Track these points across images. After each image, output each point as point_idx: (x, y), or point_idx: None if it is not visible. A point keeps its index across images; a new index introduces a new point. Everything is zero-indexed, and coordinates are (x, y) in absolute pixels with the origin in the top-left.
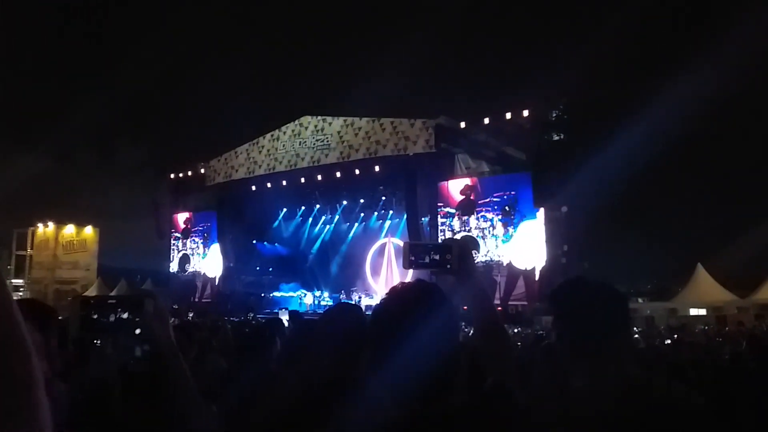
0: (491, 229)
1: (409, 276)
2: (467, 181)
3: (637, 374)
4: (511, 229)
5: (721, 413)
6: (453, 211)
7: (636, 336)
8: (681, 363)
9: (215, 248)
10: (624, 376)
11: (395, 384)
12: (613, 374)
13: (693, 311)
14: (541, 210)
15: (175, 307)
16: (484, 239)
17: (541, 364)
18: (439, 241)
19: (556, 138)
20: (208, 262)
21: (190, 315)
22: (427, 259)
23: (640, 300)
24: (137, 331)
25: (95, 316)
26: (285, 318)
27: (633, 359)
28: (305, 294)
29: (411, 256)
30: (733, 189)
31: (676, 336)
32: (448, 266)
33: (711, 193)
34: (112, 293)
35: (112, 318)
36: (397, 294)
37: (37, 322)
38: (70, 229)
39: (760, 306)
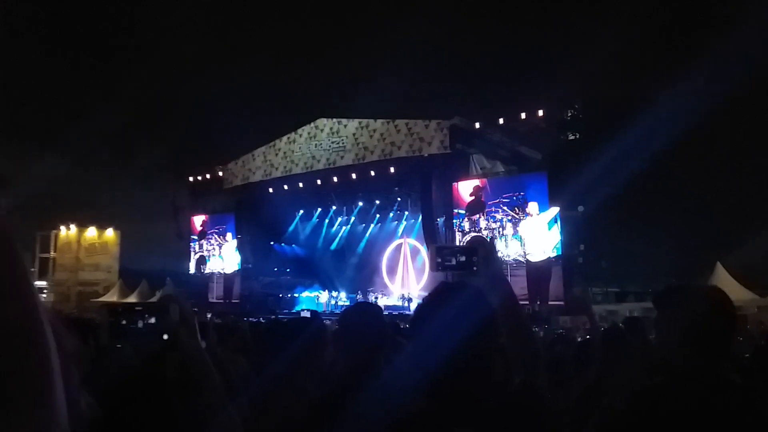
0: (501, 229)
1: (425, 276)
2: (477, 182)
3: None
4: (519, 229)
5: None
6: (462, 212)
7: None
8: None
9: (230, 248)
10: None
11: (429, 378)
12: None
13: None
14: (535, 208)
15: (195, 309)
16: (493, 240)
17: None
18: (459, 242)
19: (571, 137)
20: (224, 262)
21: (209, 315)
22: (453, 261)
23: None
24: (165, 336)
25: (124, 323)
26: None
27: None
28: (322, 294)
29: (438, 258)
30: (752, 186)
31: None
32: (474, 268)
33: (729, 190)
34: (133, 294)
35: (140, 324)
36: (436, 293)
37: (80, 334)
38: (92, 232)
39: None
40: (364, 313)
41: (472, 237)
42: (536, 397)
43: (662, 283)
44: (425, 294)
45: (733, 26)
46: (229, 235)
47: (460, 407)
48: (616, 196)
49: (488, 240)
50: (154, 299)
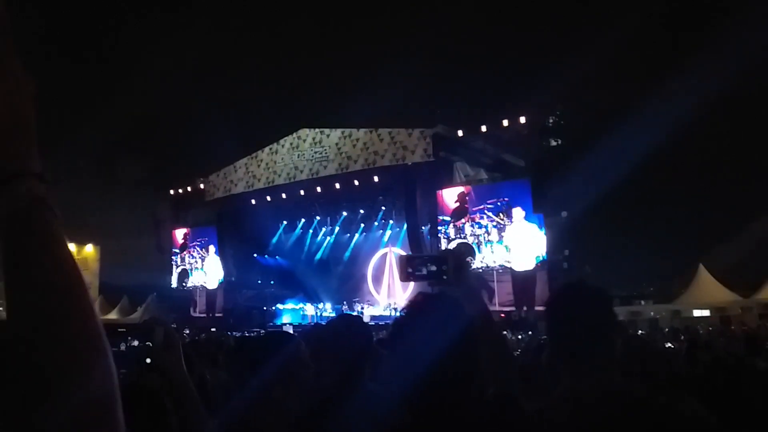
0: (486, 235)
1: (411, 285)
2: (461, 189)
3: (617, 381)
4: (504, 235)
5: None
6: (448, 218)
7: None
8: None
9: (213, 261)
10: (602, 383)
11: (408, 390)
12: (592, 380)
13: (696, 312)
14: (520, 214)
15: (174, 326)
16: (479, 246)
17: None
18: (436, 252)
19: (553, 144)
20: (207, 276)
21: (186, 332)
22: (424, 271)
23: (643, 302)
24: (148, 360)
25: None
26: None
27: (615, 366)
28: (307, 306)
29: (408, 268)
30: (733, 189)
31: (682, 338)
32: (444, 277)
33: (711, 194)
34: (114, 311)
35: (122, 347)
36: (415, 305)
37: None
38: (70, 248)
39: (764, 305)
40: (345, 326)
41: (459, 244)
42: (512, 407)
43: (647, 286)
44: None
45: (711, 35)
46: (211, 248)
47: (440, 420)
48: (599, 201)
49: (456, 249)
50: (135, 315)
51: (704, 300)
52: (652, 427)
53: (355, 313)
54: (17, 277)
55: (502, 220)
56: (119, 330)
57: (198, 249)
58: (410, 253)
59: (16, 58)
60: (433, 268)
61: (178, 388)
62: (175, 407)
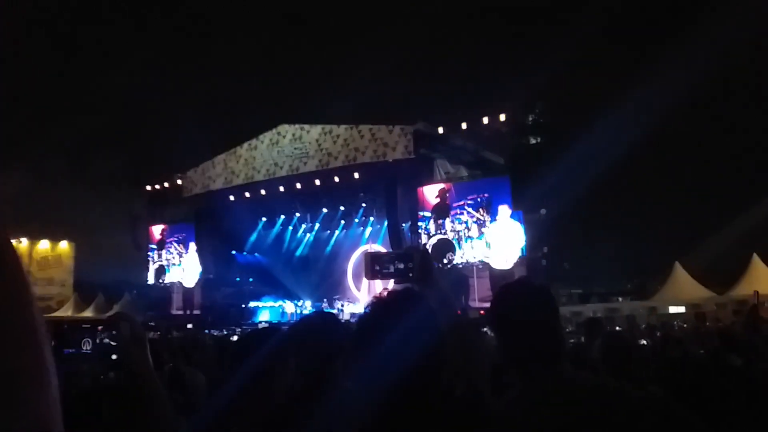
0: (466, 231)
1: (391, 283)
2: (442, 185)
3: (575, 377)
4: (485, 231)
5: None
6: (429, 214)
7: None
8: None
9: (191, 258)
10: (559, 380)
11: (374, 388)
12: (547, 379)
13: (672, 309)
14: (506, 212)
15: (152, 324)
16: (459, 242)
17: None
18: (402, 249)
19: (533, 141)
20: (185, 273)
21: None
22: (391, 269)
23: (620, 299)
24: (113, 357)
25: (67, 346)
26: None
27: (568, 362)
28: (287, 304)
29: (375, 266)
30: (707, 186)
31: (658, 334)
32: (410, 274)
33: (688, 193)
34: (89, 308)
35: (86, 347)
36: (379, 302)
37: None
38: (44, 245)
39: (738, 302)
40: (319, 322)
41: (438, 240)
42: (480, 404)
43: (624, 283)
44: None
45: (692, 28)
46: (191, 245)
47: (405, 418)
48: (578, 198)
49: (422, 246)
50: (111, 312)
51: (680, 297)
52: (604, 412)
53: (334, 311)
54: None
55: (482, 215)
56: (84, 326)
57: (175, 245)
58: (390, 250)
59: None
60: (400, 265)
61: (145, 384)
62: (141, 405)
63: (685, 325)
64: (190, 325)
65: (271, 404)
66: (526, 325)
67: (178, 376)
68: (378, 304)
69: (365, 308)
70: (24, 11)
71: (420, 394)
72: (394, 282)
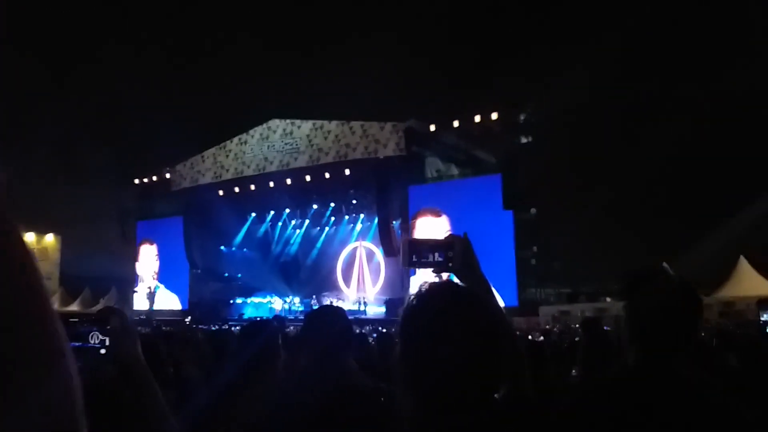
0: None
1: (381, 280)
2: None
3: (692, 375)
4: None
5: None
6: None
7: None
8: None
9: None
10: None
11: (422, 393)
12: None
13: None
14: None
15: (142, 317)
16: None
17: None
18: (443, 238)
19: (524, 141)
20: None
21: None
22: (430, 258)
23: (608, 299)
24: (102, 351)
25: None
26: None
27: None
28: (275, 300)
29: (412, 254)
30: (692, 189)
31: None
32: (450, 264)
33: (678, 193)
34: (76, 302)
35: (94, 340)
36: (433, 293)
37: None
38: (30, 238)
39: (724, 304)
40: (329, 315)
41: (449, 234)
42: (530, 408)
43: (613, 283)
44: (412, 295)
45: (686, 29)
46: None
47: (455, 419)
48: (568, 198)
49: (464, 234)
50: (97, 307)
51: None
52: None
53: (356, 305)
54: None
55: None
56: (71, 320)
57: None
58: (414, 240)
59: None
60: (440, 254)
61: (136, 379)
62: (133, 399)
63: None
64: (188, 319)
65: (269, 394)
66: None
67: (177, 371)
68: (429, 295)
69: (411, 298)
70: (12, 3)
71: (470, 398)
72: (433, 272)
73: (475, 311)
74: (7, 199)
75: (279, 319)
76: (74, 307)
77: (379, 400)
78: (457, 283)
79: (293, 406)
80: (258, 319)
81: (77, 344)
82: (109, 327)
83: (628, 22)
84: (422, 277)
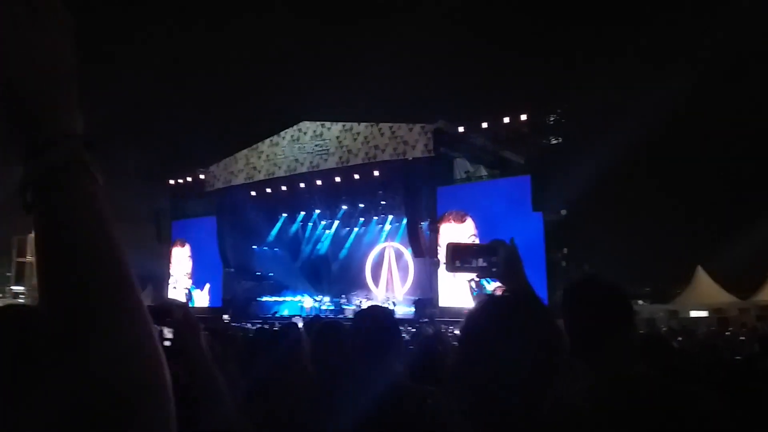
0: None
1: (409, 280)
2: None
3: (640, 373)
4: None
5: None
6: None
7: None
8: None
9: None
10: (623, 374)
11: (478, 399)
12: (611, 372)
13: (694, 313)
14: None
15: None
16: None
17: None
18: (486, 242)
19: (554, 142)
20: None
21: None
22: (473, 263)
23: (640, 302)
24: (167, 343)
25: None
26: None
27: (637, 358)
28: (306, 298)
29: (455, 259)
30: (732, 190)
31: (680, 339)
32: (494, 269)
33: (711, 194)
34: None
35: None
36: (493, 306)
37: None
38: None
39: (761, 307)
40: (377, 315)
41: (493, 240)
42: (576, 415)
43: (644, 286)
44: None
45: (709, 26)
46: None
47: (506, 425)
48: (599, 200)
49: (511, 240)
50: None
51: (702, 301)
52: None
53: (352, 306)
54: (60, 255)
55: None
56: None
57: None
58: (457, 245)
59: None
60: (482, 259)
61: (202, 373)
62: (199, 397)
63: (712, 329)
64: (226, 317)
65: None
66: (595, 318)
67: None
68: (491, 305)
69: (475, 308)
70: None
71: (525, 410)
72: (477, 278)
73: (535, 323)
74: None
75: (313, 319)
76: None
77: (426, 402)
78: (518, 295)
79: (337, 405)
80: (291, 319)
81: None
82: (172, 320)
83: (659, 16)
84: (450, 279)
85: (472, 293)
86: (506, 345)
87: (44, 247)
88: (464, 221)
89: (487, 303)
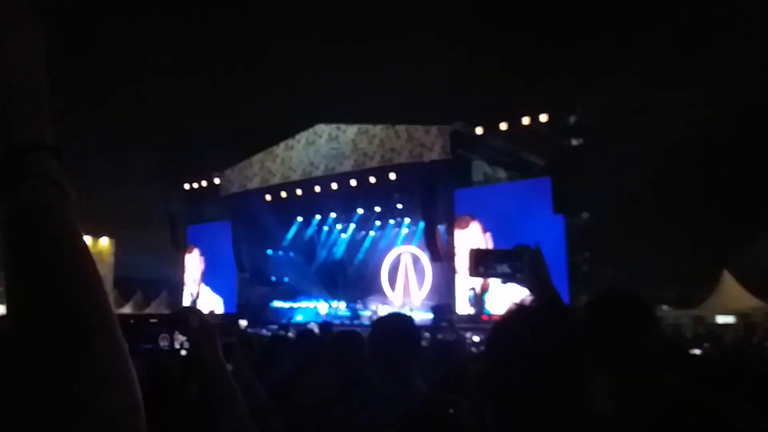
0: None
1: (426, 285)
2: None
3: (666, 381)
4: None
5: None
6: None
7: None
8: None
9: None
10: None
11: (506, 410)
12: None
13: (720, 318)
14: None
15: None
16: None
17: None
18: (511, 248)
19: (575, 143)
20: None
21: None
22: (498, 269)
23: (665, 307)
24: (183, 352)
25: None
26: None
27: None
28: (321, 303)
29: (479, 265)
30: (759, 193)
31: (706, 345)
32: (518, 275)
33: (736, 197)
34: (128, 305)
35: (164, 343)
36: (522, 314)
37: None
38: (86, 241)
39: None
40: (397, 323)
41: (518, 245)
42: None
43: (668, 290)
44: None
45: (739, 32)
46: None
47: None
48: (621, 202)
49: (536, 245)
50: (149, 310)
51: (728, 306)
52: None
53: (368, 312)
54: (27, 276)
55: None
56: (150, 321)
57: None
58: (496, 248)
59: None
60: (506, 264)
61: (218, 383)
62: (215, 407)
63: (740, 334)
64: (243, 322)
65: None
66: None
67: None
68: (515, 317)
69: (505, 317)
70: (66, 14)
71: (559, 416)
72: (502, 283)
73: (566, 332)
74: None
75: (326, 325)
76: (127, 309)
77: (448, 412)
78: (548, 303)
79: (355, 415)
80: (307, 326)
81: (157, 346)
82: (187, 328)
83: (680, 17)
84: (469, 282)
85: (468, 300)
86: (537, 356)
87: (8, 260)
88: (467, 226)
89: (516, 312)
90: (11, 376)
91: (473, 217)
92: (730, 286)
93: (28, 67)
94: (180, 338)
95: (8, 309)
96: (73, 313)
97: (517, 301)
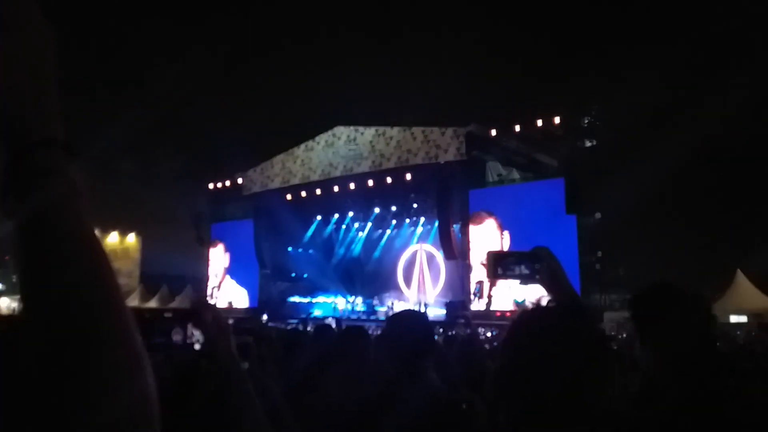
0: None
1: (440, 282)
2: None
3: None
4: None
5: None
6: None
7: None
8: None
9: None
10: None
11: (521, 407)
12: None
13: (733, 318)
14: None
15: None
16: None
17: None
18: (529, 249)
19: (588, 144)
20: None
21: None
22: (516, 270)
23: None
24: (196, 347)
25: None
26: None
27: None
28: (339, 300)
29: (497, 267)
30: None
31: (718, 344)
32: (537, 276)
33: (750, 197)
34: (153, 299)
35: (177, 337)
36: (539, 314)
37: None
38: (113, 238)
39: None
40: (411, 319)
41: (536, 246)
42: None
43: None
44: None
45: (757, 35)
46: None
47: None
48: (634, 202)
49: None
50: (173, 304)
51: (742, 306)
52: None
53: (384, 308)
54: (41, 279)
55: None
56: (165, 316)
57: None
58: (514, 249)
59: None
60: (524, 266)
61: (232, 378)
62: (228, 397)
63: (753, 334)
64: (264, 317)
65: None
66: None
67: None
68: (532, 318)
69: (523, 317)
70: (90, 17)
71: (574, 414)
72: (520, 284)
73: (585, 332)
74: (95, 201)
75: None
76: (152, 304)
77: (461, 408)
78: (566, 303)
79: (371, 408)
80: (325, 321)
81: (170, 340)
82: (201, 322)
83: (693, 19)
84: (476, 276)
85: (474, 295)
86: (556, 355)
87: (23, 256)
88: (483, 222)
89: (535, 312)
90: (25, 374)
91: (490, 214)
92: (743, 285)
93: (36, 63)
94: (194, 333)
95: (21, 309)
96: (85, 313)
97: (535, 300)
